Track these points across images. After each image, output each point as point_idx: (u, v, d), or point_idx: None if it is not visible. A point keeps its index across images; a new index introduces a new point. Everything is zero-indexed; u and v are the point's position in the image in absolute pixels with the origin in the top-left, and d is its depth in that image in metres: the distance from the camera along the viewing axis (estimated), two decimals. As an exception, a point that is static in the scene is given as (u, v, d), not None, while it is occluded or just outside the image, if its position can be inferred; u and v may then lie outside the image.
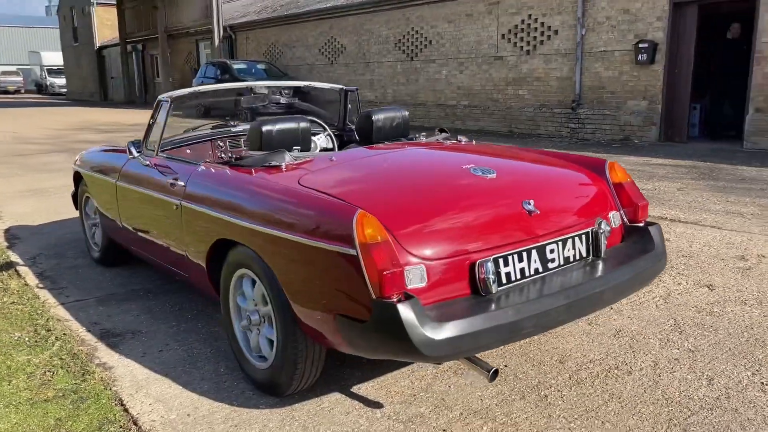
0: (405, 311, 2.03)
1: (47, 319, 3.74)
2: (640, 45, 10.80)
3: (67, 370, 3.10)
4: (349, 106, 4.73)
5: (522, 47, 12.98)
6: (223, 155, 4.14)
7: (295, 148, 3.20)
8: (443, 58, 14.79)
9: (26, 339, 3.52)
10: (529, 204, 2.49)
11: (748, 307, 3.57)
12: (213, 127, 4.40)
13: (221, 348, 3.30)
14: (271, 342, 2.73)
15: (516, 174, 2.83)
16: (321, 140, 4.42)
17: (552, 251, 2.50)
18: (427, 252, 2.23)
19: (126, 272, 4.63)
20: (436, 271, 2.22)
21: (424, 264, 2.20)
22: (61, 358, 3.25)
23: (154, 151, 3.68)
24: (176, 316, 3.77)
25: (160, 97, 3.81)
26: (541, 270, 2.46)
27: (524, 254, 2.41)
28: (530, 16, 12.73)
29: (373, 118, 3.57)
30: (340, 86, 4.73)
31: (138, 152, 3.70)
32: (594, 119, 11.83)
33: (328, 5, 18.40)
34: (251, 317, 2.76)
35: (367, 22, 16.99)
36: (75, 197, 5.01)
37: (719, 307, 3.57)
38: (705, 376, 2.80)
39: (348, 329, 2.20)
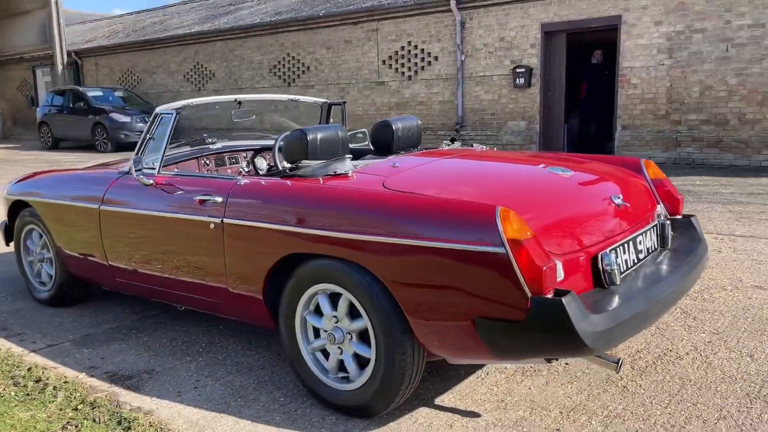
0: (570, 306, 2.02)
1: (28, 369, 3.22)
2: (518, 70, 11.64)
3: (95, 421, 2.69)
4: (331, 120, 4.63)
5: (403, 73, 13.42)
6: (208, 170, 3.88)
7: (347, 156, 3.07)
8: (323, 83, 14.86)
9: (12, 393, 3.00)
10: (619, 198, 2.61)
11: (729, 291, 3.97)
12: (192, 145, 4.09)
13: (264, 377, 3.04)
14: (359, 360, 2.58)
15: (588, 172, 2.93)
16: None
17: (640, 242, 2.63)
18: (557, 247, 2.25)
19: (86, 311, 4.11)
20: (567, 265, 2.24)
21: (558, 259, 2.21)
22: (76, 409, 2.81)
23: (155, 169, 3.34)
24: (184, 351, 3.41)
25: (158, 110, 3.48)
26: (636, 261, 2.57)
27: (626, 246, 2.51)
28: (410, 42, 13.22)
29: (393, 127, 3.52)
30: (324, 100, 4.62)
31: (137, 171, 3.33)
32: (477, 139, 12.47)
33: (192, 30, 17.78)
34: (335, 335, 2.58)
35: (237, 48, 16.63)
36: (8, 231, 4.38)
37: (708, 294, 3.93)
38: (745, 353, 3.07)
39: (492, 332, 2.15)
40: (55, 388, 3.01)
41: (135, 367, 3.24)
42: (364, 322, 2.49)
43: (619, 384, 2.82)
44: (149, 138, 3.44)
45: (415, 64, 13.21)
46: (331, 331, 2.61)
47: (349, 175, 2.78)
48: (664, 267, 2.61)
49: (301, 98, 4.52)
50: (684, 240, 2.95)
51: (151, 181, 3.29)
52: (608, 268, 2.31)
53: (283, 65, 15.63)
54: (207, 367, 3.20)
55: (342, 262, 2.49)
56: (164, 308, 4.09)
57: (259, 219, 2.74)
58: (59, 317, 4.03)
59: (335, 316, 2.60)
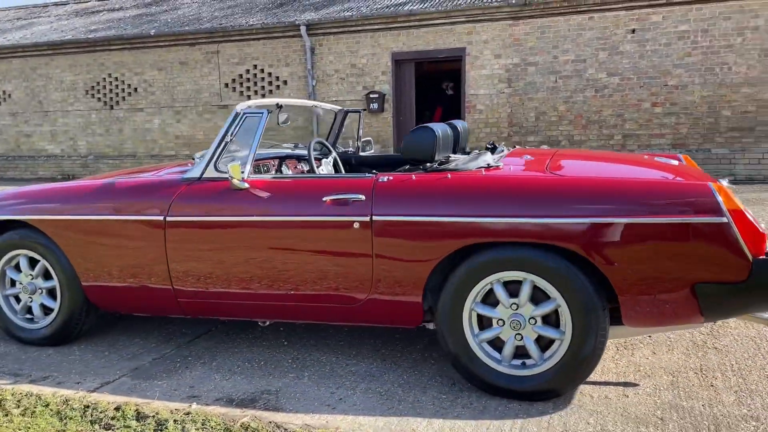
0: None
1: (116, 408, 2.73)
2: (371, 95, 12.15)
3: (269, 445, 2.42)
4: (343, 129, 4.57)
5: (250, 96, 13.17)
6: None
7: (474, 151, 3.13)
8: (154, 106, 13.94)
9: (117, 438, 2.55)
10: (725, 180, 3.06)
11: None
12: None
13: (398, 380, 2.97)
14: (540, 343, 2.68)
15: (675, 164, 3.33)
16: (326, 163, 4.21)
17: None
18: None
19: (99, 346, 3.55)
20: None
21: None
22: (228, 439, 2.49)
23: (243, 172, 3.07)
24: (277, 369, 3.15)
25: (239, 108, 3.19)
26: None
27: None
28: (256, 66, 13.05)
29: (459, 129, 3.63)
30: (339, 107, 4.54)
31: (219, 173, 3.04)
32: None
33: (-22, 45, 15.47)
34: (520, 321, 2.65)
35: (42, 66, 14.87)
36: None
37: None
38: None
39: (711, 295, 2.43)
40: (176, 421, 2.61)
41: (242, 390, 2.92)
42: (554, 304, 2.61)
43: (708, 346, 3.28)
44: (230, 140, 3.15)
45: (263, 87, 13.06)
46: (510, 319, 2.67)
47: (501, 166, 2.88)
48: None
49: (321, 105, 4.41)
50: None
51: (247, 185, 3.02)
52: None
53: (104, 86, 14.34)
54: (324, 380, 3.00)
55: (531, 247, 2.59)
56: (194, 332, 3.68)
57: (425, 213, 2.71)
58: (72, 355, 3.42)
59: (515, 303, 2.67)
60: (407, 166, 3.54)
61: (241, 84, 13.21)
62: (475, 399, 2.75)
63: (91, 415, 2.71)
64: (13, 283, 3.60)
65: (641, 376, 2.94)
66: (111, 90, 14.30)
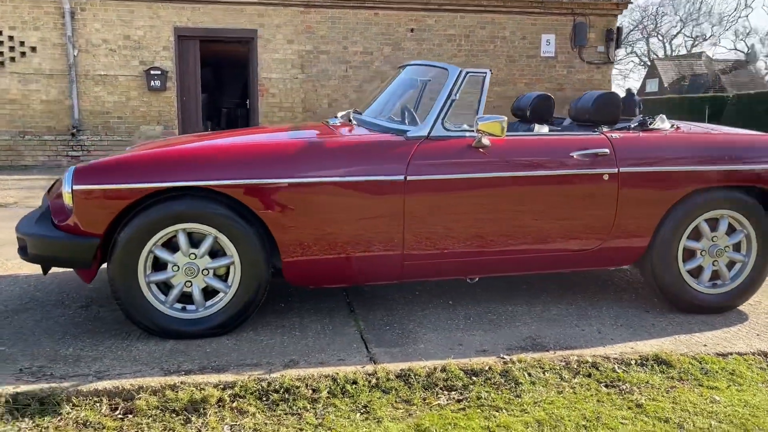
0: None
1: (444, 370, 2.56)
2: (152, 72, 11.06)
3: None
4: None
5: (-19, 63, 10.70)
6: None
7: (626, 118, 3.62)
8: None
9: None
10: None
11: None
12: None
13: (608, 314, 3.36)
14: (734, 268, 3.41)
15: None
16: None
17: None
18: None
19: (260, 328, 3.04)
20: None
21: None
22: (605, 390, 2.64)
23: (472, 130, 3.06)
24: (492, 321, 3.23)
25: (460, 69, 3.10)
26: None
27: None
28: (-10, 26, 10.66)
29: (552, 99, 4.04)
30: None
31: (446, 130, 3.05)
32: (102, 145, 11.16)
33: None
34: (722, 250, 3.32)
35: None
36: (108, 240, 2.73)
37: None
38: None
39: None
40: (519, 370, 2.60)
41: (514, 340, 2.97)
42: (743, 234, 3.35)
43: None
44: (453, 99, 3.07)
45: (1, 53, 10.74)
46: (714, 249, 3.32)
47: (682, 128, 3.48)
48: None
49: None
50: None
51: (489, 143, 3.02)
52: None
53: None
54: (558, 323, 3.20)
55: (734, 190, 3.28)
56: (328, 304, 3.40)
57: (666, 164, 3.18)
58: (259, 341, 2.89)
59: (715, 236, 3.33)
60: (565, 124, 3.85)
61: (-31, 47, 10.65)
62: (690, 318, 3.31)
63: (416, 382, 2.49)
64: (156, 266, 2.83)
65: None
66: None
